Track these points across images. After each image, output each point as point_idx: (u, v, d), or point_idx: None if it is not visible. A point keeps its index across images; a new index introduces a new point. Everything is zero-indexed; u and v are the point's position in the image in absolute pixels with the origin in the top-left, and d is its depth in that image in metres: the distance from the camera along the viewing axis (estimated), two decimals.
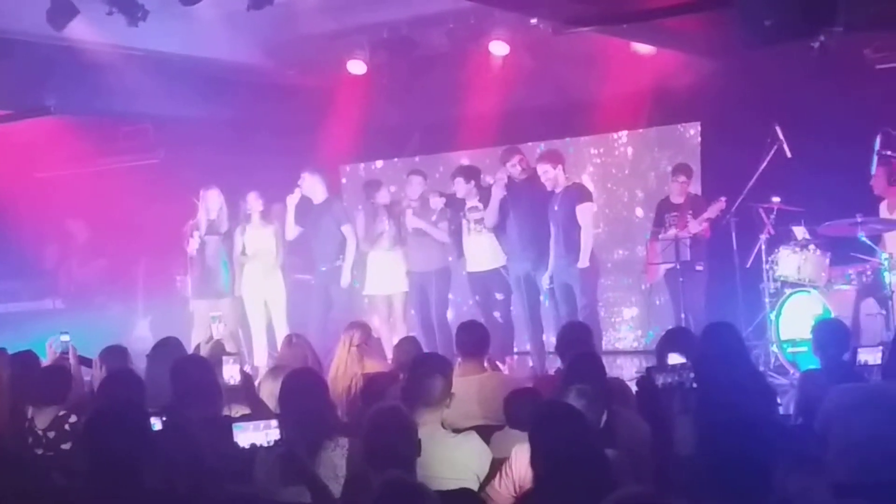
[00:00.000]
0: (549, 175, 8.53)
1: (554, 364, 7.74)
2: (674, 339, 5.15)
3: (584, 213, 8.50)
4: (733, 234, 8.67)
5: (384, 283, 9.32)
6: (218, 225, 9.12)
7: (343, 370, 6.20)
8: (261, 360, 9.03)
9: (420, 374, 4.63)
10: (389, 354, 7.08)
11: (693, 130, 10.25)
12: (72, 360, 6.40)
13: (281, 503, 3.82)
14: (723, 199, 8.57)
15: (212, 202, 9.09)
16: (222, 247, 9.12)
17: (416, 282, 9.23)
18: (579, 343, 5.69)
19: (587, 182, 9.48)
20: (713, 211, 8.61)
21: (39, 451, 5.19)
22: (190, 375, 4.76)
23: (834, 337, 5.50)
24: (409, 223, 9.11)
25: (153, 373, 5.36)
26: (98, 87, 8.92)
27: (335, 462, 4.25)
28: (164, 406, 4.51)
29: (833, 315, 7.58)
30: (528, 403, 4.67)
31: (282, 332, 8.95)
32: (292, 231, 9.24)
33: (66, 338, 6.56)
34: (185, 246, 9.10)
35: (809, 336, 6.15)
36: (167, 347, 5.85)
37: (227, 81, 10.03)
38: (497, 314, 9.02)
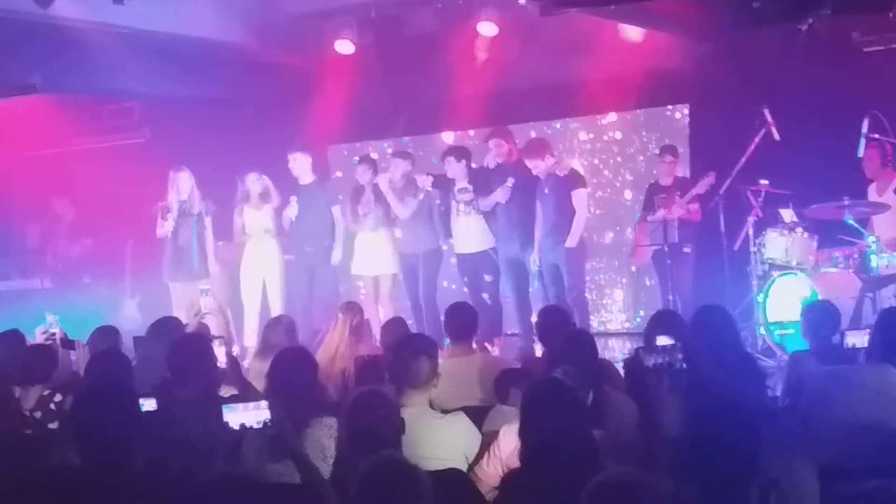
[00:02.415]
0: (540, 168, 8.58)
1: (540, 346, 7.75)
2: (662, 320, 5.16)
3: (579, 198, 8.57)
4: (721, 217, 8.68)
5: (371, 264, 9.31)
6: (189, 206, 9.11)
7: (342, 350, 6.19)
8: (251, 340, 9.02)
9: (406, 354, 4.63)
10: (376, 335, 7.09)
11: (681, 113, 10.25)
12: (57, 340, 6.38)
13: (270, 483, 3.82)
14: (712, 173, 8.58)
15: (182, 184, 9.07)
16: (194, 228, 9.11)
17: (406, 263, 9.23)
18: (557, 325, 5.70)
19: (576, 165, 9.48)
20: (702, 186, 8.62)
21: (28, 432, 5.18)
22: (188, 353, 4.75)
23: (824, 319, 5.52)
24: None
25: (149, 352, 5.34)
26: (83, 65, 8.85)
27: (323, 442, 4.25)
28: (155, 386, 4.50)
29: (820, 297, 7.61)
30: (520, 382, 4.68)
31: (277, 312, 8.95)
32: (294, 210, 9.22)
33: (52, 318, 6.53)
34: (156, 228, 9.09)
35: (798, 318, 6.16)
36: (167, 327, 5.82)
37: (214, 60, 9.96)
38: (485, 296, 9.03)
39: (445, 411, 4.69)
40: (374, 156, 10.25)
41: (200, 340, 5.17)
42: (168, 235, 9.09)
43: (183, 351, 4.81)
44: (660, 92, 9.90)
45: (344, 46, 9.84)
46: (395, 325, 6.49)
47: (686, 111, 10.19)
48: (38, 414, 5.28)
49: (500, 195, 8.75)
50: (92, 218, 11.29)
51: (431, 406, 4.64)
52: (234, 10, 8.75)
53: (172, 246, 9.12)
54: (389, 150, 10.63)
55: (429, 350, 4.67)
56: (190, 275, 9.06)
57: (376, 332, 7.29)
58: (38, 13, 7.54)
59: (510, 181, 8.68)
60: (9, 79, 9.01)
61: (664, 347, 3.91)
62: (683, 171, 9.45)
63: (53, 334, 6.45)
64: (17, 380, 5.40)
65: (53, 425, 5.18)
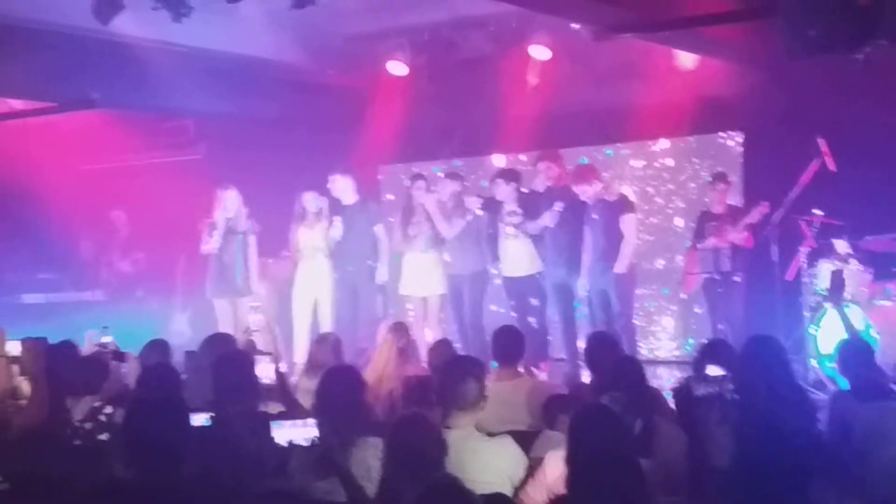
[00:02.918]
0: (588, 193, 8.56)
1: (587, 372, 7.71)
2: (713, 350, 5.11)
3: (628, 223, 8.55)
4: (774, 247, 8.59)
5: (420, 285, 9.33)
6: (235, 224, 9.21)
7: (389, 371, 6.20)
8: (301, 357, 9.07)
9: (454, 376, 4.63)
10: (422, 356, 7.09)
11: (734, 140, 10.17)
12: (109, 353, 6.45)
13: (316, 499, 3.83)
14: (765, 203, 8.50)
15: (229, 202, 9.17)
16: (239, 246, 9.21)
17: (453, 284, 9.24)
18: (605, 351, 5.67)
19: (626, 191, 9.45)
20: (755, 215, 8.53)
21: (77, 443, 5.24)
22: (229, 371, 4.78)
23: (857, 357, 5.44)
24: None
25: (199, 367, 5.38)
26: (141, 82, 9.00)
27: (369, 462, 4.25)
28: (209, 401, 4.53)
29: (874, 331, 7.50)
30: (568, 408, 4.65)
31: (327, 329, 8.99)
32: (339, 230, 9.28)
33: (105, 333, 6.62)
34: (201, 245, 9.20)
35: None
36: (218, 342, 5.87)
37: (268, 80, 10.09)
38: (532, 320, 9.00)
39: (491, 434, 4.67)
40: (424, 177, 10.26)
41: (243, 357, 5.20)
42: (213, 252, 9.19)
43: (225, 367, 4.85)
44: (713, 119, 9.84)
45: (397, 68, 9.91)
46: (442, 347, 6.49)
47: (740, 139, 10.11)
48: (88, 425, 5.33)
49: (549, 219, 8.74)
50: (146, 232, 11.44)
51: (477, 429, 4.63)
52: (290, 30, 8.84)
53: (217, 263, 9.22)
54: (441, 174, 10.68)
55: (477, 372, 4.67)
56: (234, 292, 9.16)
57: (423, 353, 7.29)
58: (99, 30, 7.67)
59: (558, 205, 8.66)
60: (69, 94, 9.19)
61: (714, 377, 3.88)
62: (736, 199, 9.37)
63: (106, 346, 6.54)
64: (69, 390, 5.46)
65: (103, 437, 5.23)
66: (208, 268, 9.30)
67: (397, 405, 5.75)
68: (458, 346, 8.16)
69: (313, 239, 9.36)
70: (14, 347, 5.86)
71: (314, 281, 9.39)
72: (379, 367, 6.29)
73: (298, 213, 9.40)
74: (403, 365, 6.26)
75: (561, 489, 3.86)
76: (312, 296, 9.39)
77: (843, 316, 7.45)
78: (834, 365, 7.90)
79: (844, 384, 5.53)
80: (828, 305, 8.12)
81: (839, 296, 7.78)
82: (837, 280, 7.84)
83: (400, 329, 6.59)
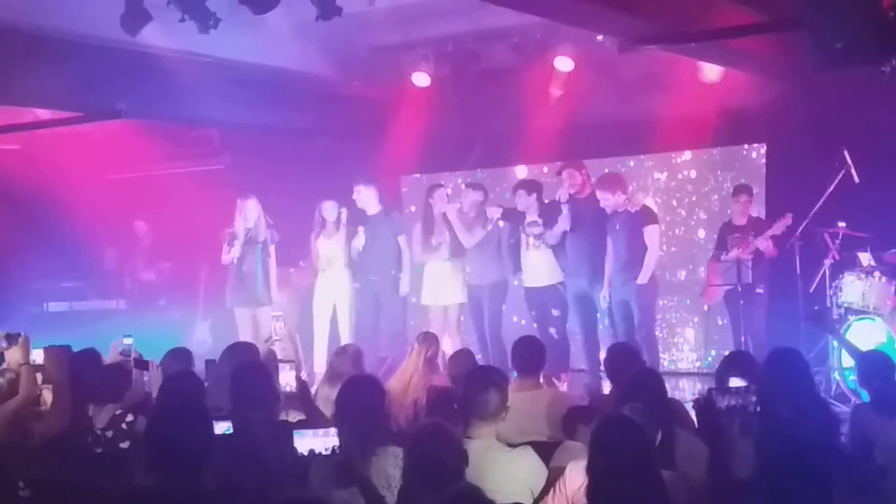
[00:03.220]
0: (609, 202, 8.54)
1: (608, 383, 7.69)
2: (735, 362, 5.09)
3: (652, 234, 8.54)
4: (797, 258, 8.56)
5: (441, 294, 9.34)
6: (255, 234, 9.26)
7: (415, 381, 6.20)
8: (320, 366, 9.10)
9: (475, 386, 4.61)
10: (442, 366, 7.09)
11: (758, 152, 10.14)
12: (132, 361, 6.49)
13: None
14: (789, 215, 8.46)
15: (250, 211, 9.25)
16: (259, 255, 9.25)
17: (473, 294, 9.24)
18: (626, 362, 5.65)
19: (649, 202, 9.43)
20: (779, 227, 8.50)
21: (99, 450, 5.27)
22: (249, 380, 4.80)
23: (877, 369, 5.41)
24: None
25: (220, 375, 5.40)
26: (167, 92, 9.06)
27: (388, 471, 4.25)
28: (231, 410, 4.55)
29: None
30: (588, 419, 4.64)
31: (345, 339, 9.03)
32: (362, 240, 9.31)
33: (128, 340, 6.67)
34: (222, 254, 9.24)
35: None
36: (240, 351, 5.89)
37: (293, 90, 10.14)
38: (553, 330, 8.99)
39: (511, 445, 4.67)
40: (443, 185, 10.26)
41: (263, 366, 5.22)
42: (233, 262, 9.24)
43: (243, 378, 4.86)
44: (736, 131, 9.82)
45: (421, 79, 9.94)
46: (462, 357, 6.47)
47: (763, 150, 10.07)
48: (109, 433, 5.36)
49: (564, 222, 8.72)
50: (169, 241, 11.51)
51: (497, 439, 4.62)
52: (315, 41, 8.90)
53: (237, 272, 9.29)
54: (463, 186, 10.69)
55: (499, 382, 4.65)
56: (253, 301, 9.21)
57: (443, 363, 7.29)
58: (126, 41, 7.73)
59: (565, 208, 8.64)
60: (96, 104, 9.25)
61: (737, 389, 3.86)
62: (759, 211, 9.33)
63: (129, 354, 6.57)
64: (92, 398, 5.49)
65: (124, 445, 5.26)
66: (228, 277, 9.35)
67: (421, 415, 5.75)
68: (479, 357, 8.15)
69: (332, 249, 9.40)
70: (38, 355, 5.90)
71: (333, 290, 9.43)
72: (406, 377, 6.30)
73: (318, 223, 9.44)
74: (430, 375, 6.26)
75: (581, 500, 3.86)
76: (331, 305, 9.42)
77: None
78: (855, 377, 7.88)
79: (866, 396, 5.51)
80: (852, 318, 8.08)
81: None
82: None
83: (430, 339, 6.59)
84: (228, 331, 9.28)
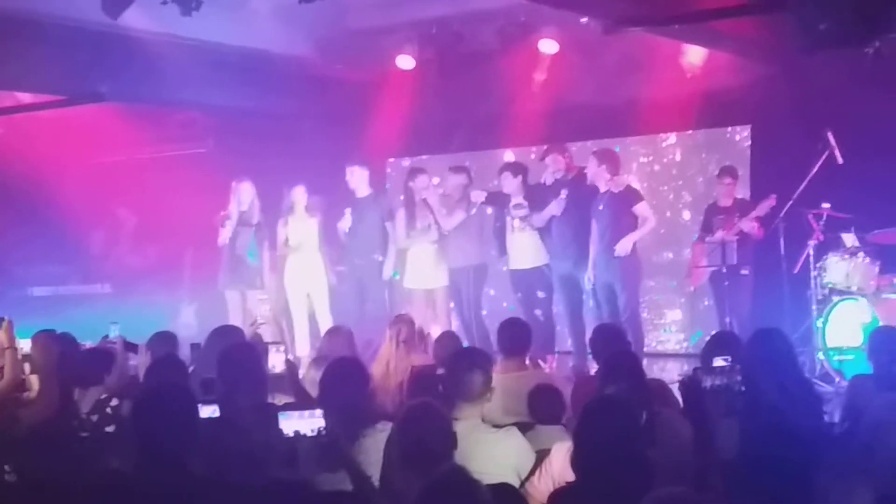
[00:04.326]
0: (592, 170, 8.55)
1: (594, 364, 7.72)
2: (721, 342, 5.10)
3: (643, 209, 8.66)
4: (781, 240, 8.59)
5: (425, 278, 9.33)
6: (249, 217, 9.23)
7: (394, 366, 6.20)
8: (303, 350, 9.10)
9: (460, 368, 4.63)
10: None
11: (742, 134, 10.16)
12: (118, 346, 6.46)
13: (324, 491, 3.84)
14: (773, 196, 8.50)
15: (244, 194, 9.23)
16: (253, 238, 9.23)
17: (454, 278, 9.24)
18: (611, 343, 5.67)
19: (634, 183, 9.44)
20: (763, 208, 8.53)
21: (84, 435, 5.25)
22: (237, 362, 4.79)
23: (886, 345, 5.43)
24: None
25: (206, 359, 5.39)
26: (150, 76, 9.02)
27: (379, 447, 4.25)
28: (217, 394, 4.53)
29: (881, 323, 7.48)
30: (553, 400, 4.67)
31: (325, 322, 9.02)
32: (348, 222, 9.29)
33: (115, 326, 6.65)
34: (218, 238, 9.22)
35: (857, 344, 6.07)
36: (226, 334, 5.87)
37: (277, 73, 10.10)
38: (538, 312, 9.01)
39: (497, 426, 4.68)
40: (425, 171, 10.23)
41: (249, 349, 5.21)
42: (225, 243, 9.21)
43: (231, 361, 4.84)
44: (721, 113, 9.83)
45: (405, 62, 9.91)
46: (447, 339, 6.49)
47: (747, 133, 10.09)
48: (94, 417, 5.34)
49: (555, 208, 8.74)
50: (154, 225, 11.47)
51: (483, 420, 4.63)
52: (298, 24, 8.85)
53: (230, 255, 9.26)
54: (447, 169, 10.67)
55: (483, 364, 4.67)
56: (246, 284, 9.18)
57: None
58: (108, 24, 7.69)
59: (563, 192, 8.67)
60: (78, 87, 9.21)
61: (722, 369, 3.87)
62: (743, 192, 9.36)
63: (114, 341, 6.55)
64: (75, 380, 5.47)
65: (109, 429, 5.25)
66: (221, 259, 9.32)
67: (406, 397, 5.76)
68: (462, 340, 8.16)
69: (303, 232, 9.36)
70: (26, 345, 5.87)
71: (306, 275, 9.39)
72: (383, 363, 6.30)
73: (287, 207, 9.41)
74: (408, 357, 6.27)
75: (566, 479, 3.87)
76: (305, 290, 9.39)
77: None
78: (841, 357, 7.94)
79: (851, 375, 5.53)
80: (836, 299, 8.13)
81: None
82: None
83: (399, 322, 6.59)
84: (214, 314, 9.25)
